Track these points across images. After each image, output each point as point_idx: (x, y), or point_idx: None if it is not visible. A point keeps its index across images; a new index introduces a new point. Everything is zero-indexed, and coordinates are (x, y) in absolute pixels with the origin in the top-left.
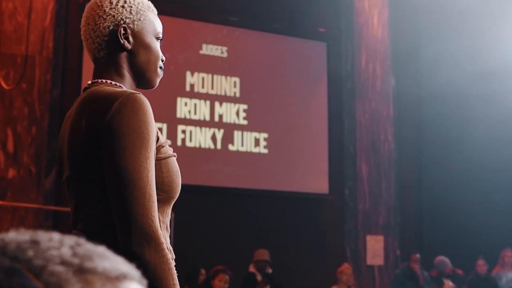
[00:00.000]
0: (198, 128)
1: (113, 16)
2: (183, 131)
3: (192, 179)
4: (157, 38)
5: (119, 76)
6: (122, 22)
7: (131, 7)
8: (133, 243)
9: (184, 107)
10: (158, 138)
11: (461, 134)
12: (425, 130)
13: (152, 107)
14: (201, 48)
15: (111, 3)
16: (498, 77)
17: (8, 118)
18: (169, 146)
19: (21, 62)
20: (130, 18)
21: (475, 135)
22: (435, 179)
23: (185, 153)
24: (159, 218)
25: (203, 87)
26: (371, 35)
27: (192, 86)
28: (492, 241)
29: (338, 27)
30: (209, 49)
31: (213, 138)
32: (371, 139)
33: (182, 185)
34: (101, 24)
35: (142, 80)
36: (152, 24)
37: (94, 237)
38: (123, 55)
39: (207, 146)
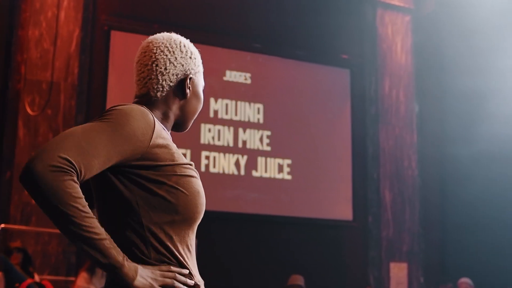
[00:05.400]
0: (221, 154)
1: (183, 65)
2: (207, 157)
3: (216, 205)
4: None
5: (164, 116)
6: (189, 72)
7: (196, 59)
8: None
9: (208, 133)
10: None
11: (486, 160)
12: (449, 156)
13: (176, 133)
14: (224, 75)
15: (181, 51)
16: None
17: (33, 144)
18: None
19: (47, 89)
20: (194, 69)
21: (500, 160)
22: (459, 205)
23: (208, 179)
24: (176, 238)
25: (226, 113)
26: (394, 62)
27: (216, 112)
28: None
29: (361, 53)
30: (233, 76)
31: (237, 164)
32: (395, 165)
33: (206, 211)
34: (171, 70)
35: (182, 125)
36: (202, 76)
37: None
38: (179, 101)
39: (230, 172)
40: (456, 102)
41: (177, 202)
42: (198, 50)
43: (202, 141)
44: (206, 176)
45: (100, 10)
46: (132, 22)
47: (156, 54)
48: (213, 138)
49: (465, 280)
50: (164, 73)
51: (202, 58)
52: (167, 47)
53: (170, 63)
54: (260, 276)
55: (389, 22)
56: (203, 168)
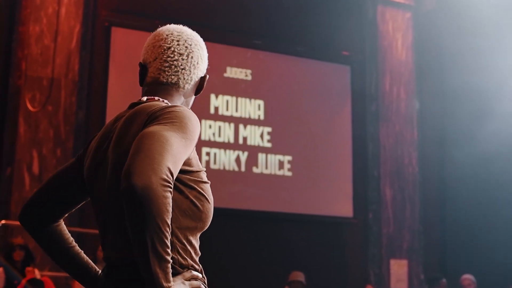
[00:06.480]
0: (222, 151)
1: (205, 63)
2: (208, 154)
3: (216, 201)
4: None
5: None
6: (206, 71)
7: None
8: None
9: (208, 130)
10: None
11: (486, 157)
12: (449, 153)
13: None
14: (225, 71)
15: (205, 50)
16: None
17: (33, 140)
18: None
19: (47, 85)
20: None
21: (500, 158)
22: (459, 202)
23: (209, 176)
24: (195, 245)
25: (227, 109)
26: (395, 58)
27: (216, 108)
28: None
29: (362, 50)
30: (234, 72)
31: (237, 160)
32: (395, 163)
33: None
34: (200, 66)
35: None
36: None
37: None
38: (193, 96)
39: (231, 169)
40: (457, 99)
41: (203, 209)
42: None
43: (202, 137)
44: (207, 173)
45: (101, 6)
46: (133, 18)
47: (192, 47)
48: (213, 134)
49: (468, 276)
50: (196, 66)
51: None
52: (198, 42)
53: (200, 58)
54: (260, 272)
55: (390, 18)
56: (203, 165)
